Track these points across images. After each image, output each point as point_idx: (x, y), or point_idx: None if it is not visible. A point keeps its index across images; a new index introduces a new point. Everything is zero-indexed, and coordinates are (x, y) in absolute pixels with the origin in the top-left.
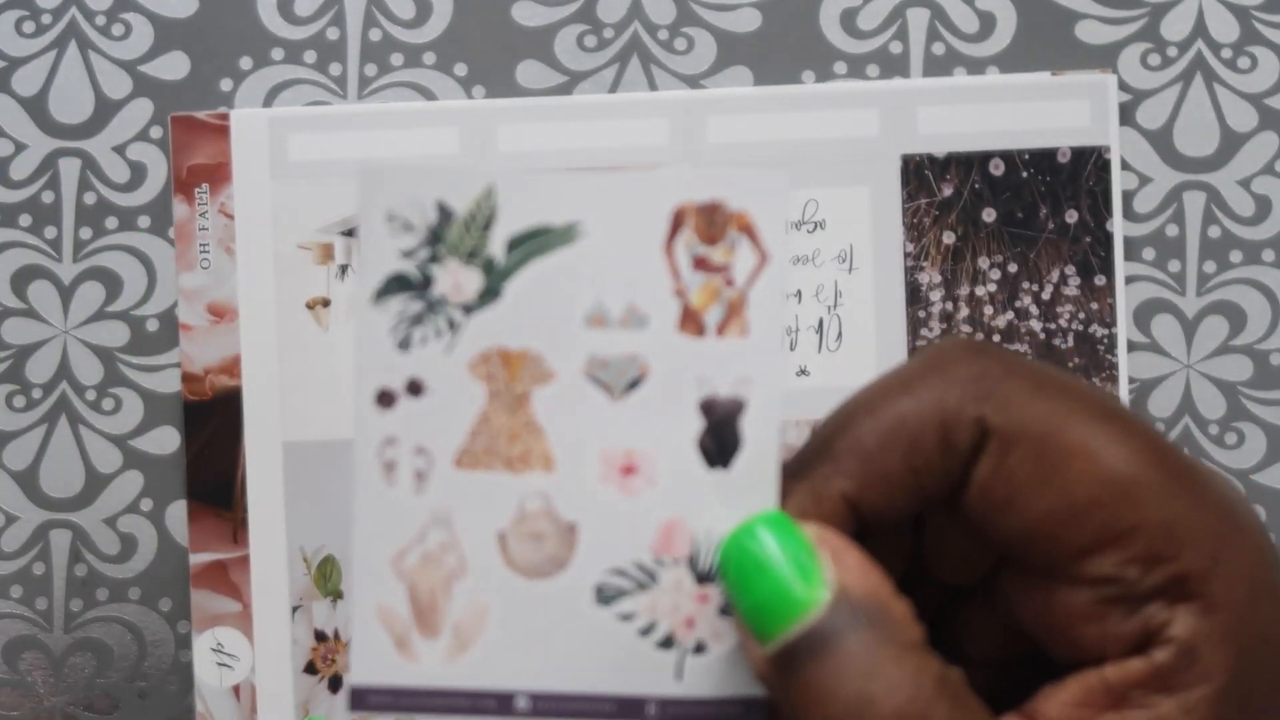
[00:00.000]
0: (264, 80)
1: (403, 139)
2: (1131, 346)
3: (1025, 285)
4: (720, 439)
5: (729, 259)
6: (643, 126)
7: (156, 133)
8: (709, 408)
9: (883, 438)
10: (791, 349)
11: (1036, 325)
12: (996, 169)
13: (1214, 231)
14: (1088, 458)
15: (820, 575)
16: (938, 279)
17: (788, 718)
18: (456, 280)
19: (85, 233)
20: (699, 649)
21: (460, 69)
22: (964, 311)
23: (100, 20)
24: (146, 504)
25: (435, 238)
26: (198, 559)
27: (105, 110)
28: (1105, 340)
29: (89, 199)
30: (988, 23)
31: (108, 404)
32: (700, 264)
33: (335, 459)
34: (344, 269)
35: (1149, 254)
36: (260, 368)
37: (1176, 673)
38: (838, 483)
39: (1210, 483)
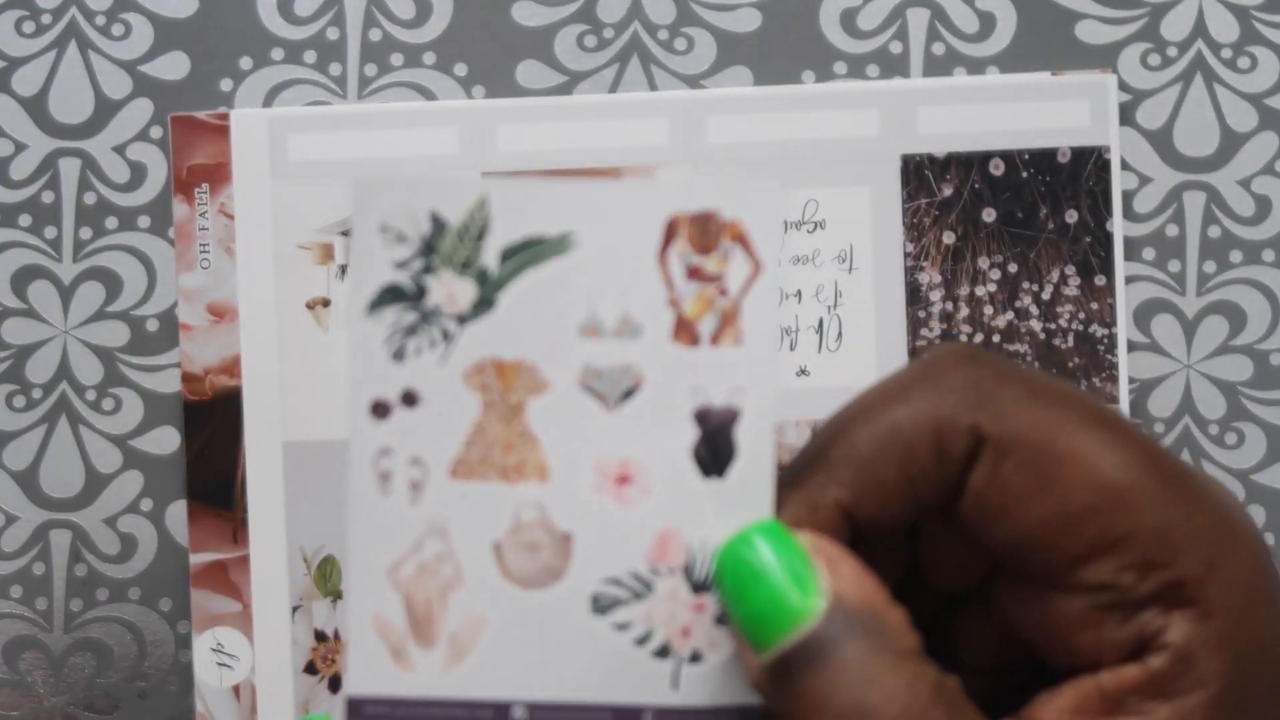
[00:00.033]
0: (264, 80)
1: (403, 139)
2: (1131, 346)
3: (1025, 285)
4: (715, 448)
5: (722, 268)
6: (643, 126)
7: (156, 133)
8: (703, 417)
9: (877, 446)
10: (791, 349)
11: (1036, 325)
12: (996, 169)
13: (1214, 231)
14: (1082, 465)
15: (816, 584)
16: (938, 279)
17: None
18: (450, 291)
19: (85, 233)
20: (695, 658)
21: (460, 69)
22: (964, 311)
23: (100, 20)
24: (146, 504)
25: (429, 248)
26: (198, 559)
27: (105, 110)
28: (1105, 340)
29: (89, 199)
30: (988, 23)
31: (108, 404)
32: (694, 273)
33: (335, 459)
34: (344, 269)
35: (1149, 254)
36: (260, 368)
37: (1172, 679)
38: (833, 491)
39: (1205, 488)
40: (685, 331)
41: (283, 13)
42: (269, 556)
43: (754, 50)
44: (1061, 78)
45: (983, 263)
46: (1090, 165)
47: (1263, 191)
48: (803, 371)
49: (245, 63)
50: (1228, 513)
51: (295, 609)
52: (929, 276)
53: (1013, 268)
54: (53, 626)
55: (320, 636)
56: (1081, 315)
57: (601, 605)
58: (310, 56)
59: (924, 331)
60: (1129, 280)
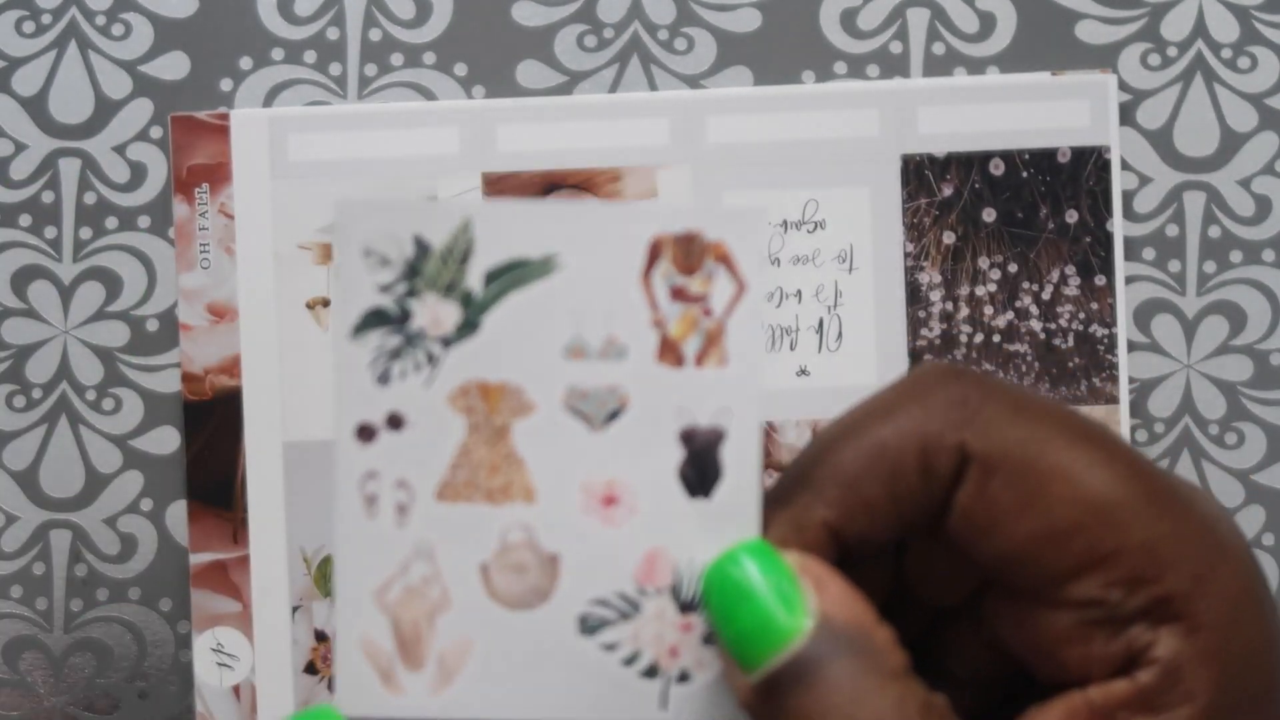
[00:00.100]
0: (264, 80)
1: (403, 139)
2: (1131, 346)
3: (1025, 285)
4: (701, 468)
5: (707, 289)
6: (643, 126)
7: (156, 133)
8: (689, 437)
9: (863, 465)
10: (791, 349)
11: (1036, 325)
12: (996, 169)
13: (1214, 231)
14: (1069, 481)
15: (803, 603)
16: (938, 279)
17: None
18: (435, 314)
19: (85, 233)
20: (683, 678)
21: (460, 69)
22: (964, 311)
23: (100, 20)
24: (146, 504)
25: (413, 272)
26: (198, 559)
27: (105, 110)
28: (1105, 340)
29: (89, 199)
30: (988, 23)
31: (108, 404)
32: (678, 294)
33: None
34: None
35: (1149, 254)
36: (260, 368)
37: (1160, 693)
38: (819, 511)
39: (1192, 502)
40: (670, 352)
41: (283, 13)
42: (269, 556)
43: (754, 50)
44: (1061, 78)
45: (983, 263)
46: (1090, 165)
47: (1263, 191)
48: (803, 371)
49: (245, 63)
50: (1214, 526)
51: (295, 609)
52: (929, 276)
53: (1013, 268)
54: (53, 626)
55: (320, 636)
56: (1081, 315)
57: (589, 626)
58: (310, 56)
59: (924, 331)
60: (1129, 280)
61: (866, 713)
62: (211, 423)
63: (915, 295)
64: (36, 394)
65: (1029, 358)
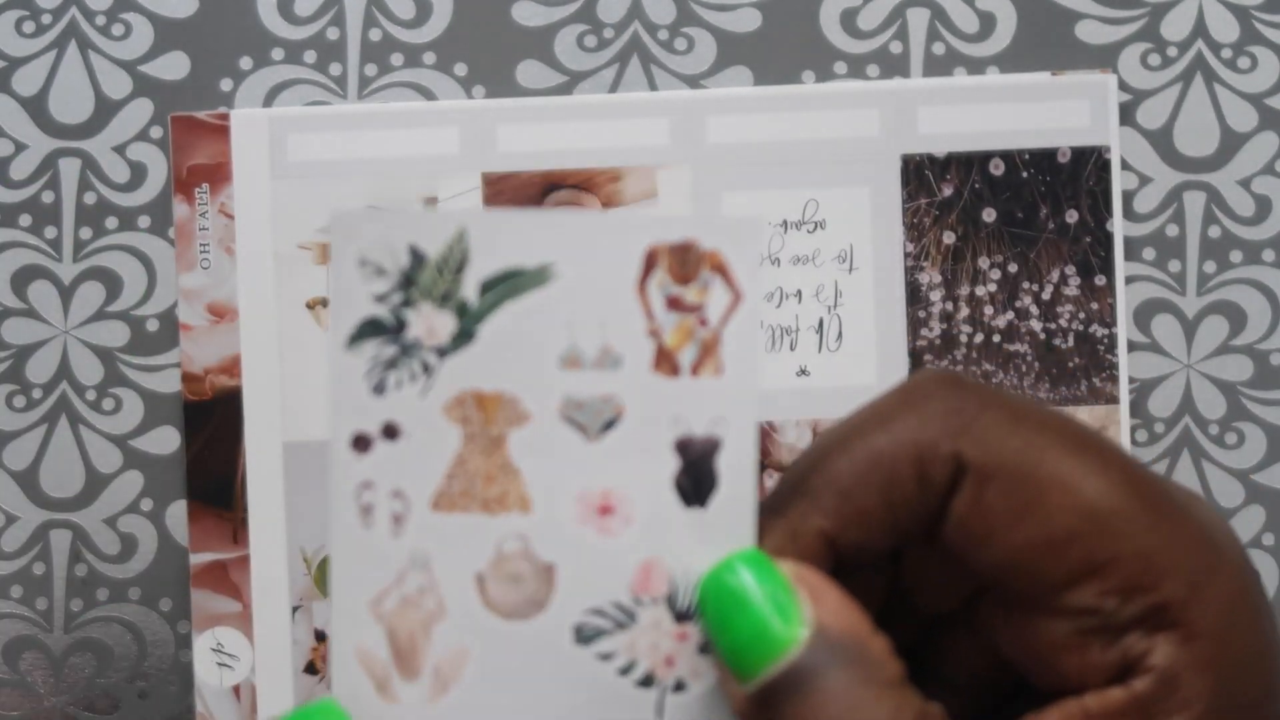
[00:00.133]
0: (264, 80)
1: (403, 139)
2: (1131, 346)
3: (1025, 285)
4: (696, 478)
5: (702, 298)
6: (643, 126)
7: (156, 133)
8: (684, 447)
9: (859, 474)
10: (791, 349)
11: (1036, 325)
12: (996, 169)
13: (1214, 231)
14: (1065, 490)
15: (799, 613)
16: (938, 279)
17: None
18: (430, 324)
19: (85, 233)
20: (679, 687)
21: (460, 69)
22: (964, 311)
23: (100, 20)
24: (146, 504)
25: (408, 282)
26: (198, 559)
27: (105, 110)
28: (1105, 340)
29: (89, 199)
30: (988, 23)
31: (108, 404)
32: (673, 304)
33: None
34: None
35: (1149, 254)
36: (260, 368)
37: (1157, 701)
38: (815, 520)
39: (1188, 510)
40: (666, 362)
41: (283, 13)
42: (269, 556)
43: (754, 50)
44: (1061, 78)
45: (983, 263)
46: (1090, 165)
47: (1263, 191)
48: (803, 371)
49: (245, 63)
50: (1211, 534)
51: (295, 609)
52: (929, 276)
53: (1013, 268)
54: (53, 626)
55: (320, 636)
56: (1081, 315)
57: (585, 636)
58: (310, 56)
59: (924, 331)
60: (1129, 280)
61: None
62: (211, 423)
63: (915, 295)
64: (36, 394)
65: (1029, 358)
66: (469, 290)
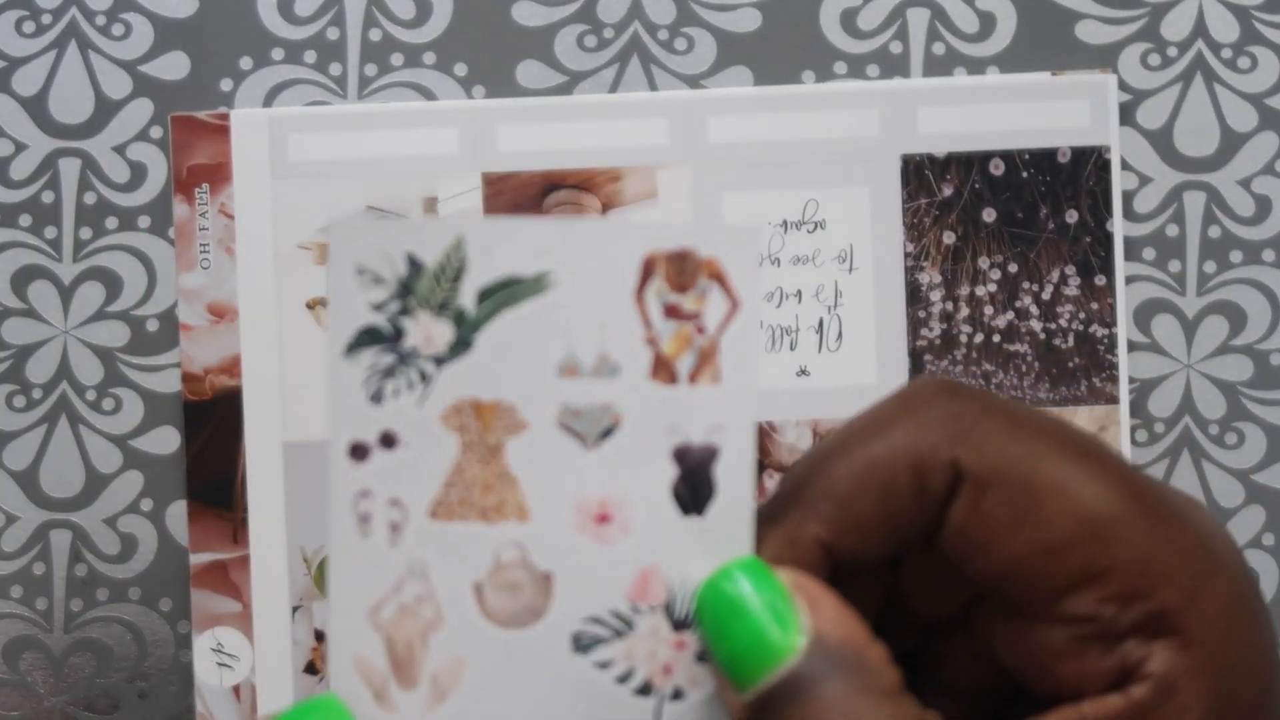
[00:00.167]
0: (264, 80)
1: (403, 139)
2: (1131, 346)
3: (1025, 285)
4: (694, 486)
5: (700, 306)
6: (643, 126)
7: (156, 133)
8: (682, 455)
9: (856, 482)
10: (791, 349)
11: (1036, 325)
12: (996, 169)
13: (1214, 231)
14: (1062, 497)
15: (796, 621)
16: (938, 279)
17: None
18: (428, 332)
19: (85, 233)
20: (677, 695)
21: (460, 69)
22: (964, 311)
23: (100, 20)
24: (146, 504)
25: (405, 290)
26: (198, 559)
27: (105, 110)
28: (1105, 340)
29: (89, 199)
30: (988, 23)
31: (108, 404)
32: (671, 312)
33: None
34: None
35: (1149, 254)
36: (260, 368)
37: (1154, 708)
38: (812, 527)
39: (1186, 517)
40: (663, 370)
41: (283, 13)
42: (269, 556)
43: (754, 50)
44: (1061, 78)
45: (983, 263)
46: (1090, 165)
47: (1263, 191)
48: (803, 371)
49: (245, 63)
50: (1208, 540)
51: (295, 609)
52: (929, 276)
53: (1013, 268)
54: (53, 626)
55: (320, 636)
56: (1081, 315)
57: (583, 644)
58: (310, 56)
59: (924, 331)
60: (1129, 280)
61: None
62: (211, 423)
63: (915, 295)
64: (36, 394)
65: (1029, 358)
66: (466, 299)
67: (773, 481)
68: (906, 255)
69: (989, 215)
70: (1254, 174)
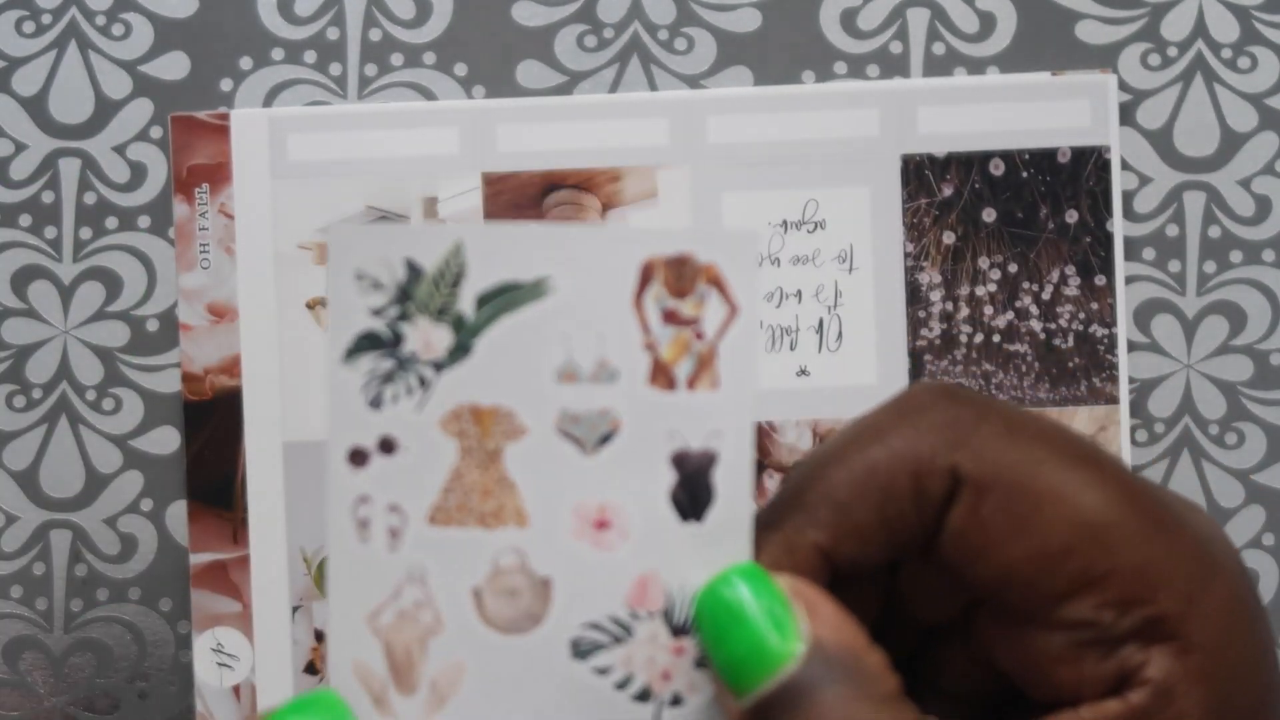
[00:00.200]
0: (264, 80)
1: (403, 139)
2: (1131, 346)
3: (1025, 285)
4: (693, 492)
5: (698, 312)
6: (643, 126)
7: (156, 133)
8: (681, 461)
9: (855, 487)
10: (791, 349)
11: (1036, 325)
12: (996, 169)
13: (1214, 231)
14: (1061, 503)
15: (795, 628)
16: (938, 279)
17: None
18: (427, 338)
19: (85, 233)
20: (676, 701)
21: (460, 69)
22: (964, 311)
23: (100, 20)
24: (146, 504)
25: (405, 295)
26: (198, 559)
27: (105, 110)
28: (1105, 340)
29: (89, 199)
30: (988, 23)
31: (108, 404)
32: (670, 317)
33: None
34: None
35: (1149, 254)
36: (260, 368)
37: (1153, 713)
38: (811, 533)
39: (1185, 522)
40: (662, 375)
41: (283, 13)
42: (269, 556)
43: (754, 50)
44: (1061, 78)
45: (983, 263)
46: (1090, 165)
47: (1263, 191)
48: (803, 371)
49: (245, 63)
50: (1207, 545)
51: (295, 609)
52: (929, 276)
53: (1013, 268)
54: (53, 626)
55: (320, 636)
56: (1081, 315)
57: (581, 650)
58: (310, 56)
59: (924, 331)
60: (1129, 280)
61: None
62: (211, 423)
63: (915, 295)
64: (36, 394)
65: (1029, 358)
66: (466, 304)
67: (772, 481)
68: (906, 255)
69: (989, 215)
70: (1254, 174)
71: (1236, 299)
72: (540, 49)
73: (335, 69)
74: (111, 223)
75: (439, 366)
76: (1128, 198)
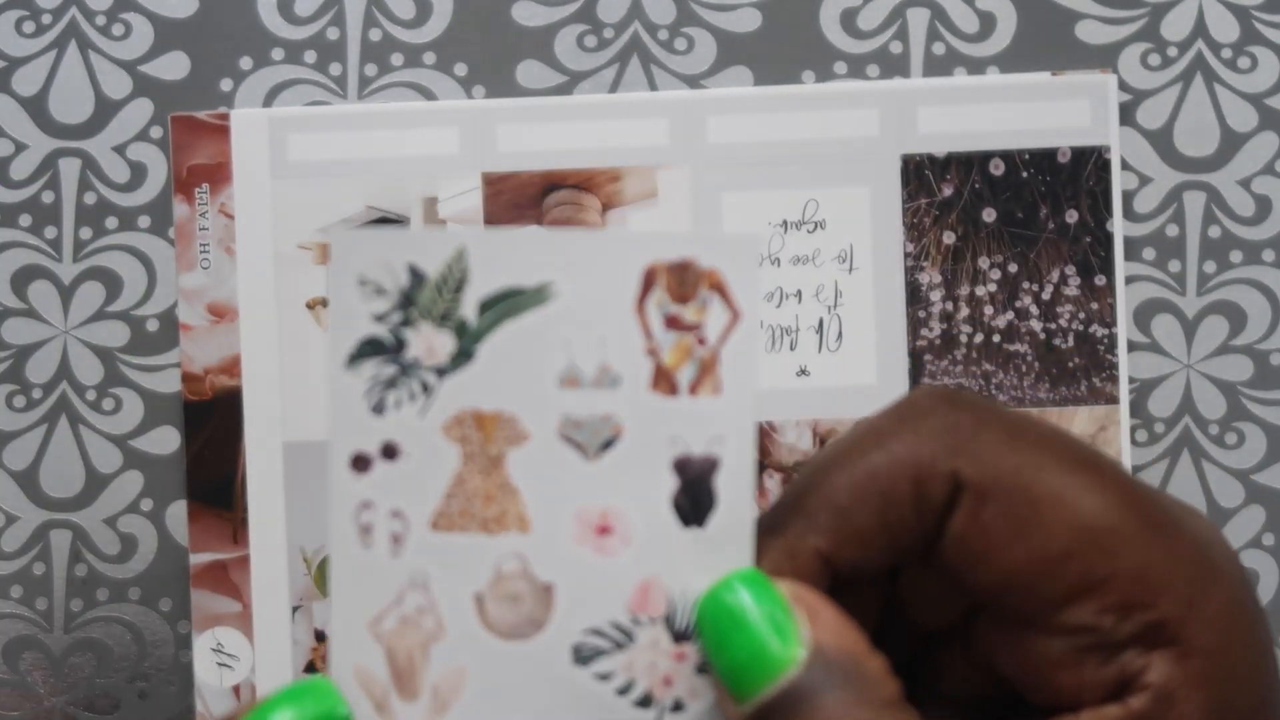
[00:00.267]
0: (264, 80)
1: (403, 139)
2: (1131, 346)
3: (1025, 285)
4: (694, 497)
5: (701, 317)
6: (643, 126)
7: (156, 133)
8: (683, 466)
9: (856, 493)
10: (791, 349)
11: (1036, 325)
12: (996, 169)
13: (1214, 231)
14: (1062, 508)
15: (796, 633)
16: (938, 279)
17: None
18: (429, 343)
19: (85, 233)
20: (677, 707)
21: (460, 69)
22: (964, 311)
23: (100, 20)
24: (146, 504)
25: (407, 301)
26: (198, 559)
27: (105, 110)
28: (1105, 340)
29: (89, 199)
30: (988, 23)
31: (108, 404)
32: (672, 323)
33: None
34: None
35: (1149, 254)
36: (260, 368)
37: (1153, 718)
38: (812, 539)
39: (1184, 526)
40: (664, 381)
41: (283, 13)
42: (269, 556)
43: (754, 50)
44: (1061, 78)
45: (983, 263)
46: (1090, 165)
47: (1263, 191)
48: (803, 371)
49: (245, 63)
50: (1206, 549)
51: (295, 609)
52: (929, 276)
53: (1013, 268)
54: (53, 626)
55: (320, 636)
56: (1081, 315)
57: (583, 656)
58: (310, 56)
59: (924, 331)
60: (1129, 280)
61: None
62: (211, 423)
63: (915, 295)
64: (36, 394)
65: (1029, 358)
66: (468, 309)
67: (773, 482)
68: (906, 255)
69: (989, 215)
70: (1254, 174)
71: (1236, 299)
72: (540, 49)
73: (335, 69)
74: (111, 223)
75: (441, 372)
76: (1128, 198)
